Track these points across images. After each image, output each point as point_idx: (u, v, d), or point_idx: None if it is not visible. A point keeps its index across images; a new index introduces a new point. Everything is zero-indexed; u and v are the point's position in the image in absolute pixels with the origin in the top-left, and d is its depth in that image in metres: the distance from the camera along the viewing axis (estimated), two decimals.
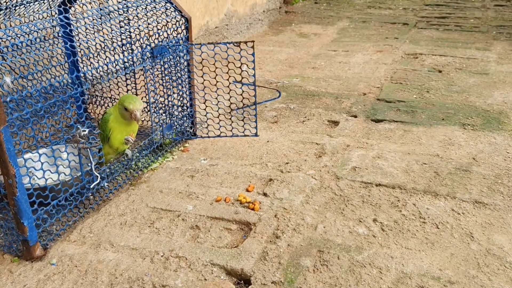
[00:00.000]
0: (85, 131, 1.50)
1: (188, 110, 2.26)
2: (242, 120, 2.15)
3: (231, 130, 2.13)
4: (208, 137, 2.18)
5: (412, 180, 1.91)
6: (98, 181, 1.63)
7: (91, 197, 1.80)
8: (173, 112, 2.18)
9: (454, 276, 1.38)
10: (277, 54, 4.15)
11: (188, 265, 1.44)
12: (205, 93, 2.12)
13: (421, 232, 1.59)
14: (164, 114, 2.12)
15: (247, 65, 3.76)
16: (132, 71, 2.40)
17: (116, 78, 2.46)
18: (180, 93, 2.19)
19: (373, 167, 2.04)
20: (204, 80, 2.07)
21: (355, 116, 2.65)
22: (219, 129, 2.13)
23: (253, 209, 1.73)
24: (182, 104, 2.22)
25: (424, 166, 2.03)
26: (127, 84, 2.45)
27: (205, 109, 2.14)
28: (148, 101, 1.99)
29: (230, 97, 2.10)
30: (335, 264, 1.45)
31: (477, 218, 1.66)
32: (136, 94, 2.45)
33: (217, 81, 2.05)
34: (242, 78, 2.02)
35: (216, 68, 2.04)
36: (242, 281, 1.41)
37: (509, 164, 2.01)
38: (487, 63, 3.57)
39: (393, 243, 1.54)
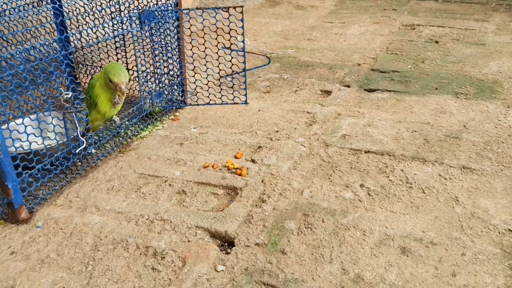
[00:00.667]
0: (68, 94, 1.49)
1: (178, 78, 2.24)
2: (232, 88, 2.13)
3: (220, 98, 2.11)
4: (198, 104, 2.17)
5: (401, 147, 1.90)
6: (84, 146, 1.63)
7: (79, 163, 1.81)
8: (163, 80, 2.16)
9: (436, 238, 1.38)
10: (273, 26, 4.09)
11: (173, 228, 1.45)
12: (193, 60, 2.10)
13: (407, 197, 1.59)
14: (153, 82, 2.11)
15: (241, 35, 3.71)
16: (122, 39, 2.37)
17: (106, 47, 2.43)
18: (170, 60, 2.17)
19: (363, 134, 2.03)
20: (193, 46, 2.05)
21: (348, 86, 2.63)
22: (208, 96, 2.11)
23: (240, 174, 1.73)
24: (172, 72, 2.20)
25: (414, 133, 2.02)
26: (117, 53, 2.42)
27: (194, 76, 2.12)
28: (136, 68, 1.98)
29: (219, 63, 2.08)
30: (319, 227, 1.45)
31: (463, 183, 1.65)
32: (126, 63, 2.43)
33: (206, 48, 2.02)
34: (231, 44, 2.00)
35: (205, 34, 2.01)
36: (226, 243, 1.42)
37: (500, 131, 1.99)
38: (485, 34, 3.52)
39: (379, 207, 1.54)
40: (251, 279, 1.25)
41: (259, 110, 2.33)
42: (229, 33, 1.95)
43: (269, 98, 2.49)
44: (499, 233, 1.40)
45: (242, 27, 1.91)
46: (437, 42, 3.39)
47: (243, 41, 1.90)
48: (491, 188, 1.62)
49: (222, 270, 1.29)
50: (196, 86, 2.19)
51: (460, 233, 1.40)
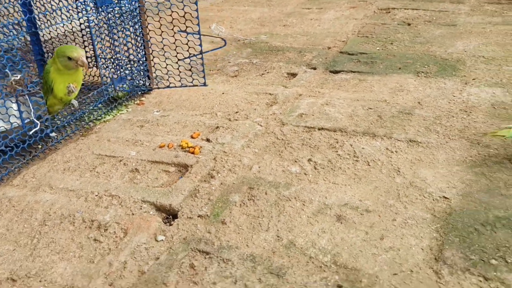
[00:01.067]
0: (17, 76, 1.54)
1: (142, 63, 2.28)
2: (190, 70, 2.17)
3: (180, 81, 2.16)
4: (158, 88, 2.22)
5: (354, 124, 1.95)
6: (38, 128, 1.68)
7: (39, 146, 1.86)
8: (125, 65, 2.20)
9: (372, 206, 1.43)
10: (251, 13, 4.13)
11: (120, 203, 1.50)
12: (151, 44, 2.14)
13: (352, 169, 1.64)
14: (114, 67, 2.15)
15: (215, 24, 3.74)
16: (87, 27, 2.41)
17: (73, 35, 2.48)
18: (132, 46, 2.21)
19: (320, 113, 2.07)
20: (150, 30, 2.09)
21: (314, 68, 2.67)
22: (168, 79, 2.16)
23: (193, 153, 1.78)
24: (135, 58, 2.25)
25: (369, 110, 2.06)
26: (84, 41, 2.47)
27: (153, 60, 2.17)
28: (95, 54, 2.02)
29: (176, 47, 2.12)
30: (262, 199, 1.50)
31: (408, 155, 1.70)
32: (94, 50, 2.47)
33: (162, 31, 2.07)
34: (187, 27, 2.04)
35: (161, 18, 2.05)
36: (170, 216, 1.47)
37: (452, 106, 2.04)
38: (458, 15, 3.55)
39: (322, 180, 1.59)
40: (187, 247, 1.30)
41: (223, 93, 2.37)
42: (184, 16, 1.99)
43: (235, 82, 2.54)
44: (433, 200, 1.45)
45: (196, 10, 1.95)
46: (409, 24, 3.42)
47: (198, 24, 1.94)
48: (434, 159, 1.67)
49: (162, 239, 1.34)
50: (156, 69, 2.24)
51: (396, 201, 1.45)
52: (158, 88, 2.22)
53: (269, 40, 3.28)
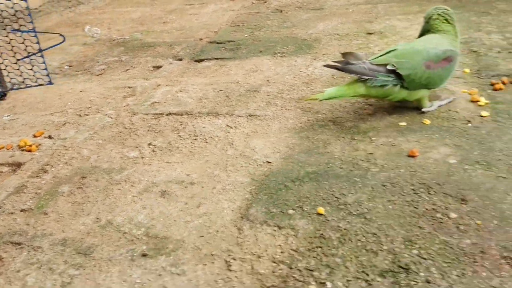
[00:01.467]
0: None
1: None
2: (32, 69, 2.11)
3: (23, 81, 2.09)
4: (9, 90, 2.13)
5: (201, 106, 1.99)
6: None
7: None
8: None
9: (197, 178, 1.47)
10: (132, 13, 4.08)
11: None
12: None
13: (188, 148, 1.67)
14: None
15: (90, 26, 3.66)
16: None
17: None
18: None
19: (172, 100, 2.10)
20: None
21: (181, 59, 2.69)
22: (10, 81, 2.09)
23: (30, 151, 1.73)
24: None
25: (219, 92, 2.11)
26: None
27: None
28: None
29: (13, 46, 2.05)
30: (92, 186, 1.49)
31: (245, 129, 1.76)
32: None
33: None
34: (20, 26, 1.98)
35: None
36: None
37: (297, 81, 2.14)
38: (327, 0, 3.73)
39: (157, 161, 1.61)
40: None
41: (81, 91, 2.33)
42: (14, 14, 1.93)
43: (97, 80, 2.50)
44: (257, 165, 1.51)
45: (28, 7, 1.90)
46: (281, 11, 3.54)
47: (31, 22, 1.89)
48: (268, 129, 1.74)
49: None
50: None
51: (221, 171, 1.50)
52: (11, 90, 2.14)
53: (143, 37, 3.27)
